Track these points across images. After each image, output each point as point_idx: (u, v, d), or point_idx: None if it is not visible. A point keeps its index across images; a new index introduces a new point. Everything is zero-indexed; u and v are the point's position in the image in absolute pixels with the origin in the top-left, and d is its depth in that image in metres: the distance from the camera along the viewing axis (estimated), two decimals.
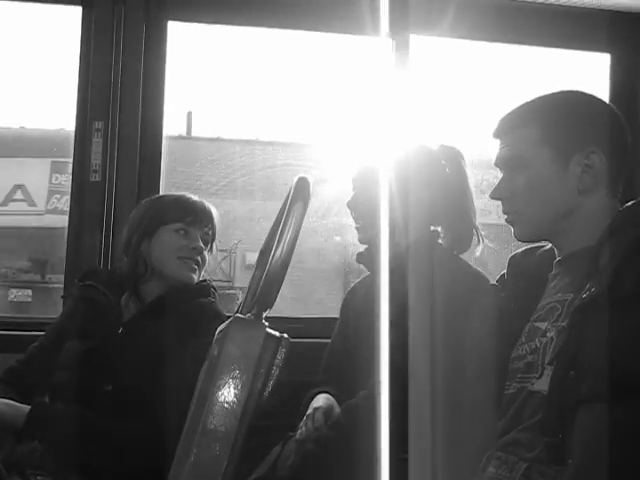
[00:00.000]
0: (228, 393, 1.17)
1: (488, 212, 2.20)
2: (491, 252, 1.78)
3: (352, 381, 1.72)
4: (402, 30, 2.41)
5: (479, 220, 1.78)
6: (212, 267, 1.96)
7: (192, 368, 1.37)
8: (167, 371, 1.62)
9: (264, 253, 1.40)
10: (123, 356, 1.74)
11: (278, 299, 1.16)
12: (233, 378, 1.17)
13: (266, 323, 1.18)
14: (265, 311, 1.17)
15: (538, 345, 1.34)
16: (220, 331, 1.24)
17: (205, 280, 1.91)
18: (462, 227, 1.75)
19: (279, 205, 1.32)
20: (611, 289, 1.19)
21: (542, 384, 1.29)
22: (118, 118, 2.25)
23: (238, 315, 1.21)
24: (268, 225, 1.41)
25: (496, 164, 1.46)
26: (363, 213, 1.76)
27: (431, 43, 2.54)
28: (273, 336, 1.18)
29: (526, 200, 1.40)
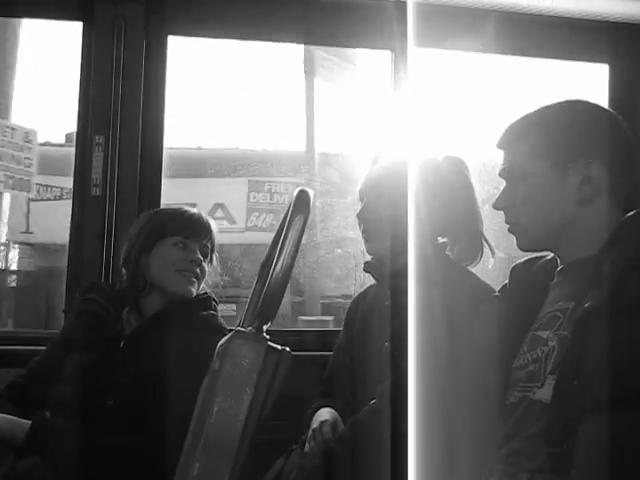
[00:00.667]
0: (229, 407, 1.17)
1: None
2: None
3: (355, 392, 1.71)
4: (402, 43, 2.42)
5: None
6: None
7: (193, 382, 1.37)
8: (168, 385, 1.61)
9: (265, 266, 1.40)
10: (124, 370, 1.73)
11: None
12: (234, 392, 1.17)
13: (267, 336, 1.18)
14: (266, 324, 1.17)
15: (540, 354, 1.34)
16: (221, 345, 1.23)
17: (206, 292, 1.91)
18: (469, 238, 1.75)
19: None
20: (613, 298, 1.20)
21: (544, 393, 1.29)
22: (119, 132, 2.26)
23: (239, 329, 1.21)
24: None
25: (500, 175, 1.48)
26: (372, 224, 1.76)
27: (432, 55, 2.55)
28: (274, 349, 1.18)
29: (526, 210, 1.41)
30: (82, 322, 1.86)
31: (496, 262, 1.78)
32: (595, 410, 1.15)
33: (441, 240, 1.76)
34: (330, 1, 2.37)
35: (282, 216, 1.37)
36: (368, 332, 1.77)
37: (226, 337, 1.24)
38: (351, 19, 2.41)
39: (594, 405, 1.15)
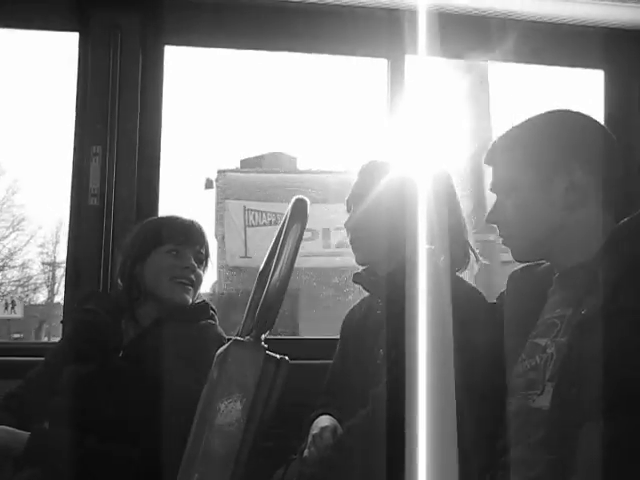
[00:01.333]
0: (228, 416, 1.17)
1: None
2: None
3: (353, 402, 1.71)
4: (398, 50, 2.44)
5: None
6: None
7: (192, 391, 1.37)
8: (167, 395, 1.61)
9: (263, 275, 1.40)
10: (123, 380, 1.73)
11: None
12: (233, 401, 1.17)
13: (265, 345, 1.18)
14: (264, 333, 1.17)
15: (538, 361, 1.34)
16: (219, 354, 1.23)
17: (204, 300, 1.91)
18: (456, 246, 1.76)
19: None
20: (610, 304, 1.20)
21: (543, 400, 1.29)
22: (116, 142, 2.26)
23: (237, 338, 1.21)
24: None
25: (490, 189, 1.50)
26: (359, 233, 1.77)
27: (427, 63, 2.55)
28: (273, 358, 1.18)
29: (516, 222, 1.42)
30: (81, 332, 1.86)
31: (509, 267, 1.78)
32: (594, 416, 1.15)
33: (429, 247, 1.77)
34: (327, 9, 2.38)
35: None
36: (363, 342, 1.77)
37: (224, 346, 1.24)
38: (348, 27, 2.42)
39: (593, 412, 1.15)
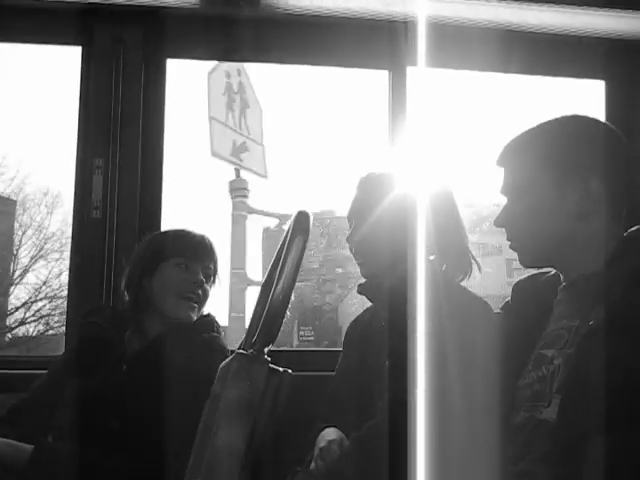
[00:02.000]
0: (231, 429, 1.16)
1: None
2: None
3: (358, 414, 1.71)
4: (400, 62, 2.45)
5: None
6: None
7: (195, 405, 1.37)
8: (171, 408, 1.61)
9: (265, 288, 1.40)
10: (127, 393, 1.73)
11: None
12: (236, 414, 1.16)
13: (268, 358, 1.18)
14: (267, 346, 1.17)
15: (545, 373, 1.33)
16: (222, 367, 1.23)
17: (209, 314, 1.91)
18: (457, 256, 1.76)
19: None
20: (618, 316, 1.19)
21: (551, 412, 1.27)
22: (118, 155, 2.27)
23: (240, 351, 1.21)
24: None
25: (500, 192, 1.47)
26: (362, 247, 1.77)
27: (429, 74, 2.56)
28: (276, 371, 1.18)
29: (526, 227, 1.40)
30: (84, 345, 1.85)
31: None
32: (601, 429, 1.14)
33: (431, 257, 1.77)
34: (326, 21, 2.39)
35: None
36: (368, 353, 1.77)
37: (227, 359, 1.24)
38: (348, 39, 2.43)
39: (600, 424, 1.14)
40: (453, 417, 1.41)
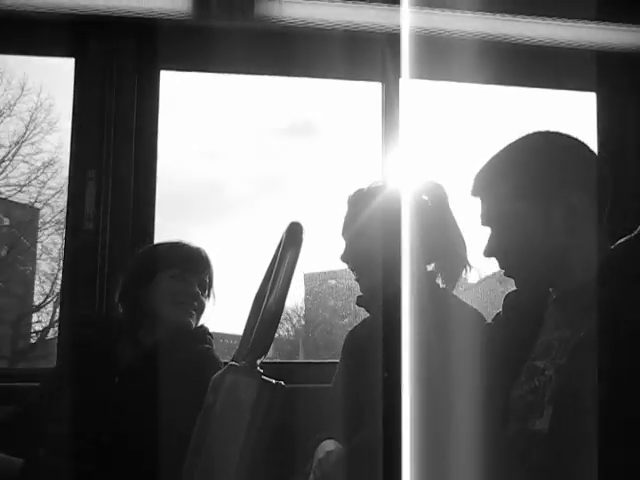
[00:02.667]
0: (224, 441, 1.16)
1: None
2: None
3: (355, 426, 1.70)
4: (392, 74, 2.45)
5: None
6: None
7: (188, 417, 1.36)
8: (164, 421, 1.60)
9: (258, 299, 1.40)
10: (120, 405, 1.72)
11: None
12: (229, 426, 1.16)
13: (261, 370, 1.17)
14: (260, 358, 1.17)
15: (537, 384, 1.33)
16: (215, 379, 1.23)
17: (202, 325, 1.90)
18: (454, 263, 1.76)
19: None
20: (609, 327, 1.19)
21: (543, 423, 1.27)
22: (111, 166, 2.27)
23: (233, 363, 1.21)
24: None
25: (481, 223, 1.44)
26: (357, 263, 1.78)
27: (419, 86, 2.57)
28: (268, 383, 1.18)
29: (517, 254, 1.38)
30: (77, 356, 1.84)
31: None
32: (593, 440, 1.14)
33: (430, 268, 1.77)
34: (319, 33, 2.40)
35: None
36: (366, 365, 1.76)
37: (220, 371, 1.23)
38: (341, 51, 2.44)
39: (592, 435, 1.14)
40: (446, 427, 1.41)
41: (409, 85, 2.46)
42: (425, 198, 1.78)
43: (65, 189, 2.33)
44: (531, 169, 1.37)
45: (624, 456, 1.12)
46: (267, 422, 1.20)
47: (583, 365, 1.20)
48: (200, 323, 1.90)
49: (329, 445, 1.71)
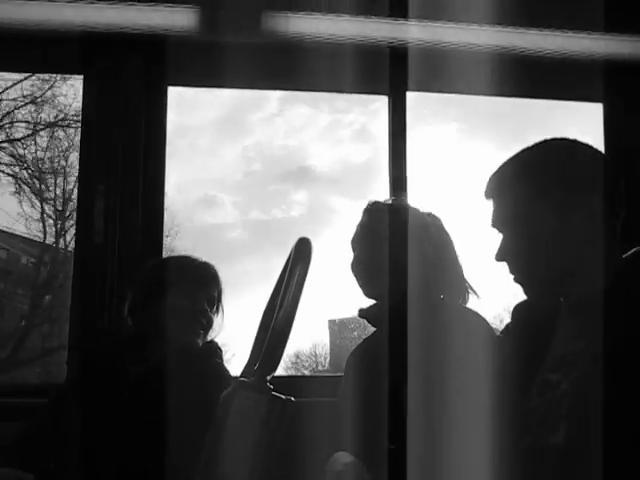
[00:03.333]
0: (234, 457, 1.16)
1: None
2: None
3: (367, 439, 1.69)
4: (399, 87, 2.46)
5: None
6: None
7: (198, 433, 1.36)
8: (174, 435, 1.60)
9: (267, 315, 1.40)
10: (129, 420, 1.72)
11: None
12: (239, 442, 1.16)
13: (271, 386, 1.17)
14: (269, 374, 1.17)
15: (551, 397, 1.30)
16: (225, 394, 1.23)
17: (212, 340, 1.90)
18: (456, 287, 1.79)
19: None
20: (625, 339, 1.17)
21: (558, 438, 1.25)
22: (120, 181, 2.28)
23: (242, 379, 1.21)
24: None
25: (493, 225, 1.41)
26: (364, 273, 1.78)
27: (427, 97, 2.58)
28: (278, 399, 1.17)
29: (532, 259, 1.35)
30: (85, 372, 1.85)
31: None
32: (610, 455, 1.13)
33: (442, 297, 1.78)
34: (327, 47, 2.41)
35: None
36: (373, 379, 1.76)
37: (230, 387, 1.23)
38: (348, 65, 2.45)
39: (609, 450, 1.13)
40: (457, 439, 1.40)
41: (416, 98, 2.47)
42: (431, 227, 1.80)
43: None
44: (553, 170, 1.34)
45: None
46: (277, 437, 1.20)
47: (600, 378, 1.18)
48: (209, 338, 1.90)
49: (344, 457, 1.70)
